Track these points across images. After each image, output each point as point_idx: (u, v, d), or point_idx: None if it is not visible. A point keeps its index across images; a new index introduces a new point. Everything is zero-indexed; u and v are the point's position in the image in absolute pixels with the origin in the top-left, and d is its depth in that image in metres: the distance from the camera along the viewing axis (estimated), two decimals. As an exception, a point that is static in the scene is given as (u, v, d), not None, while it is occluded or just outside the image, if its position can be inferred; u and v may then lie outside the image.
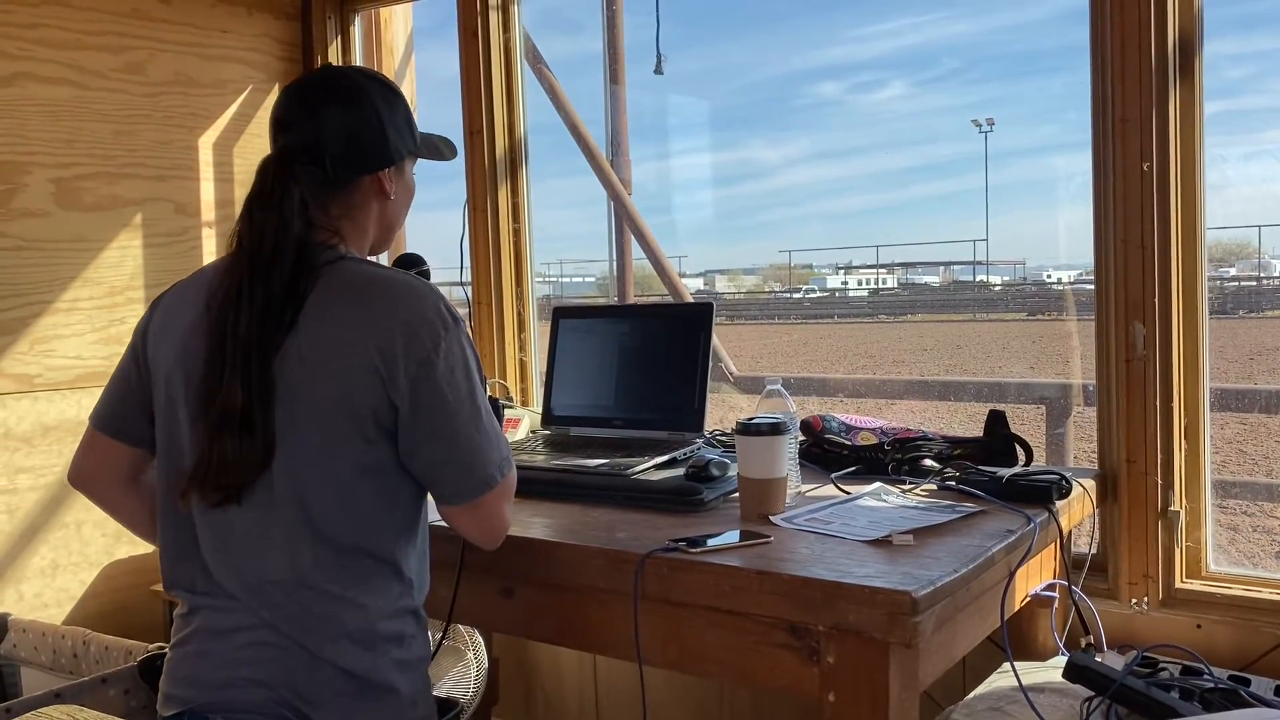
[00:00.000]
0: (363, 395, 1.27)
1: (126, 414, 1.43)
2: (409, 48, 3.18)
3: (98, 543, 2.60)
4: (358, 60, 3.03)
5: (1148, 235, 1.85)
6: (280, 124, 1.40)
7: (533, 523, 1.64)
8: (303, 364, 1.27)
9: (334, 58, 2.97)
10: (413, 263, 1.66)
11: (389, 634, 1.33)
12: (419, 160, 1.55)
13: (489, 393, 2.26)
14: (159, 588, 2.67)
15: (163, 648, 2.04)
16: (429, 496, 1.40)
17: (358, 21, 3.02)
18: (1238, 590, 1.83)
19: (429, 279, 1.66)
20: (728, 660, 1.42)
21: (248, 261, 1.30)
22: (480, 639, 2.42)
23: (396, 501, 1.34)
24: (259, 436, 1.26)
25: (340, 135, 1.38)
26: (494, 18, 2.66)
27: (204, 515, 1.31)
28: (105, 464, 1.46)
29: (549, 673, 2.65)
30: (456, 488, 1.34)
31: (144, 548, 2.68)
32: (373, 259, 1.49)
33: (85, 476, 1.48)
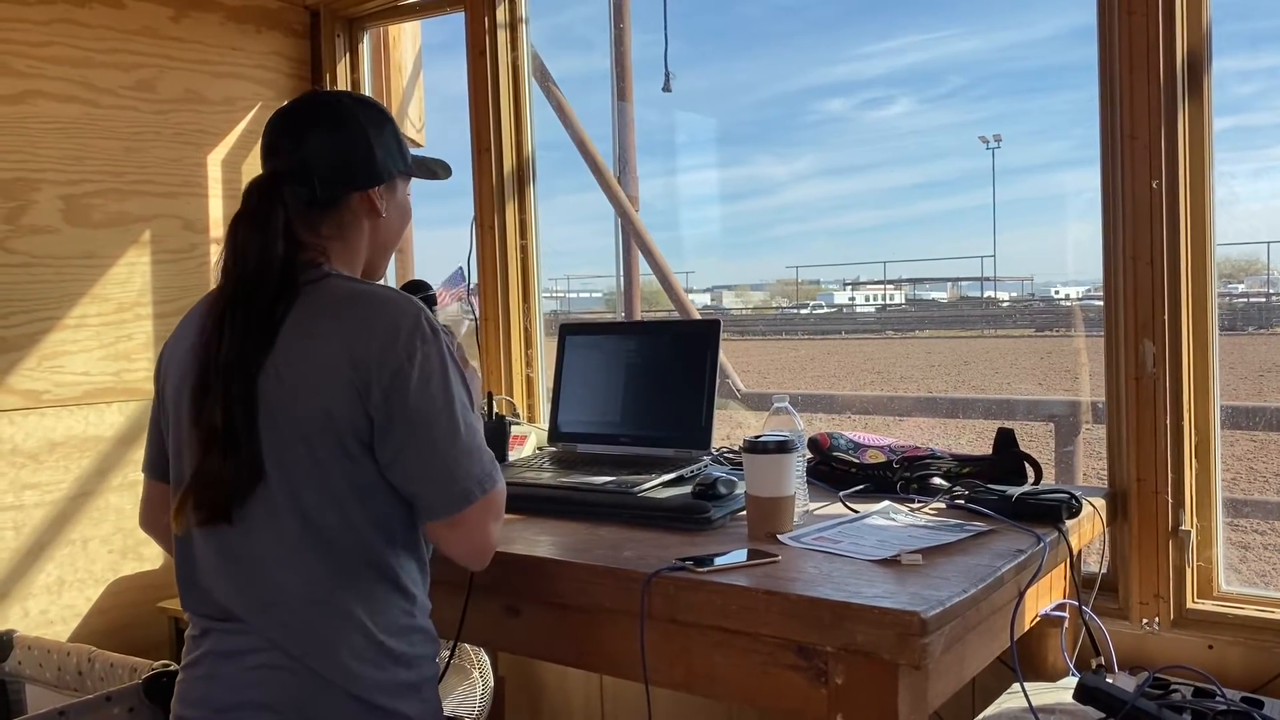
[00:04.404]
0: (341, 410, 1.27)
1: (163, 455, 1.44)
2: (418, 65, 3.20)
3: (104, 559, 2.60)
4: (366, 77, 3.04)
5: (1157, 253, 1.84)
6: (268, 150, 1.42)
7: (539, 541, 1.63)
8: (281, 383, 1.28)
9: (343, 75, 2.98)
10: (417, 289, 1.65)
11: (396, 654, 1.32)
12: (417, 180, 1.56)
13: (498, 409, 2.27)
14: (165, 604, 2.68)
15: (168, 665, 2.03)
16: None
17: (366, 39, 3.04)
18: (1250, 610, 1.81)
19: (434, 305, 1.65)
20: (735, 681, 1.41)
21: (231, 284, 1.32)
22: (486, 658, 2.41)
23: (392, 518, 1.33)
24: (244, 454, 1.27)
25: (327, 154, 1.39)
26: (502, 37, 2.67)
27: (206, 539, 1.32)
28: (160, 506, 1.46)
29: (555, 692, 2.63)
30: (434, 502, 1.31)
31: (150, 564, 2.69)
32: (372, 281, 1.48)
33: (147, 522, 1.52)
